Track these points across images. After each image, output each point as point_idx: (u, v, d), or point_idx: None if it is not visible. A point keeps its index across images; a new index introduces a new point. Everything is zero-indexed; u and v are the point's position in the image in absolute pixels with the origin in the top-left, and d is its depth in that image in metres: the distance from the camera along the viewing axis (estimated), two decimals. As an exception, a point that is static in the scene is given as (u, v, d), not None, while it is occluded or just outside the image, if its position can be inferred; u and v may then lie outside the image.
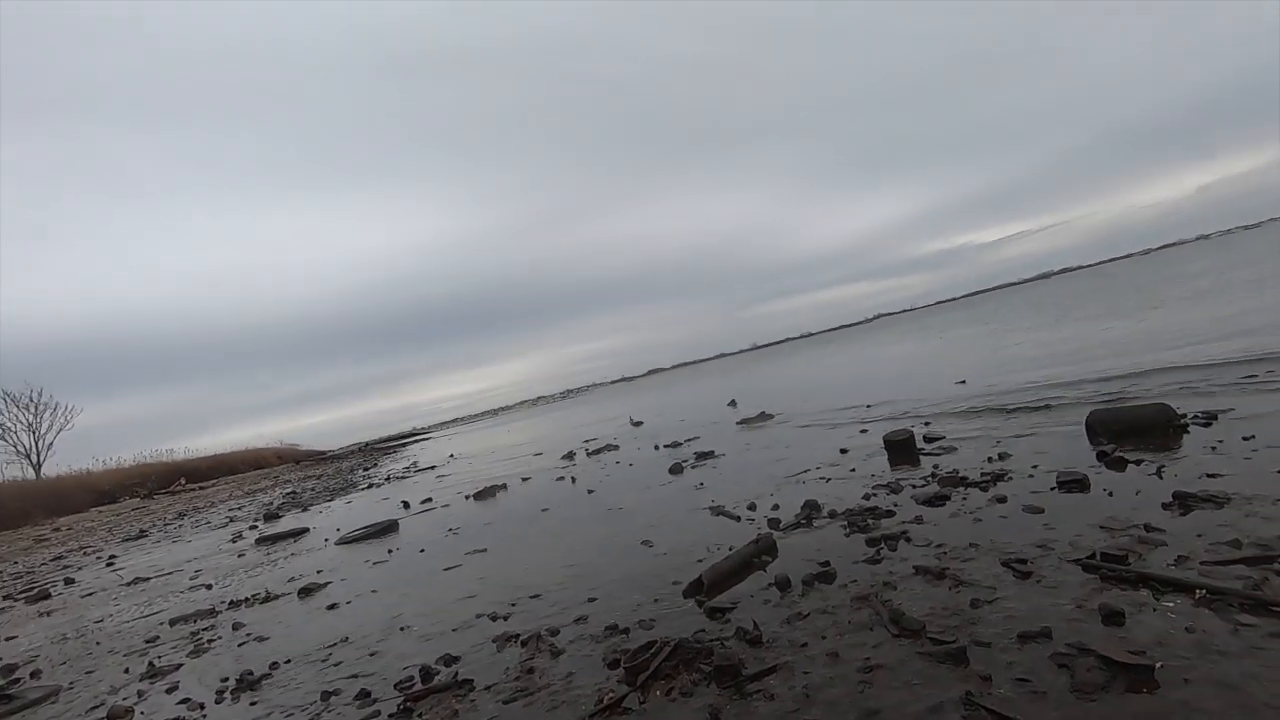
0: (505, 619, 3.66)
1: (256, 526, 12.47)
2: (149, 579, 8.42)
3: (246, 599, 5.75)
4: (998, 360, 12.35)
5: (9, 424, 44.56)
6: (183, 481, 46.76)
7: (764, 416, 11.28)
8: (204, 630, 4.99)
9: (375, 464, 32.06)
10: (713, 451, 8.48)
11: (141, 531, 17.74)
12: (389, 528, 8.21)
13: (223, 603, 5.80)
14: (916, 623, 2.54)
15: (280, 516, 13.60)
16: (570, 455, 12.55)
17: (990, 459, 5.10)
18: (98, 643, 5.37)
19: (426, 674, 3.06)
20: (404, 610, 4.30)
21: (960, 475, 4.72)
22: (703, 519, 5.11)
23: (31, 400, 45.77)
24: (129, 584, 8.34)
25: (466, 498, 9.66)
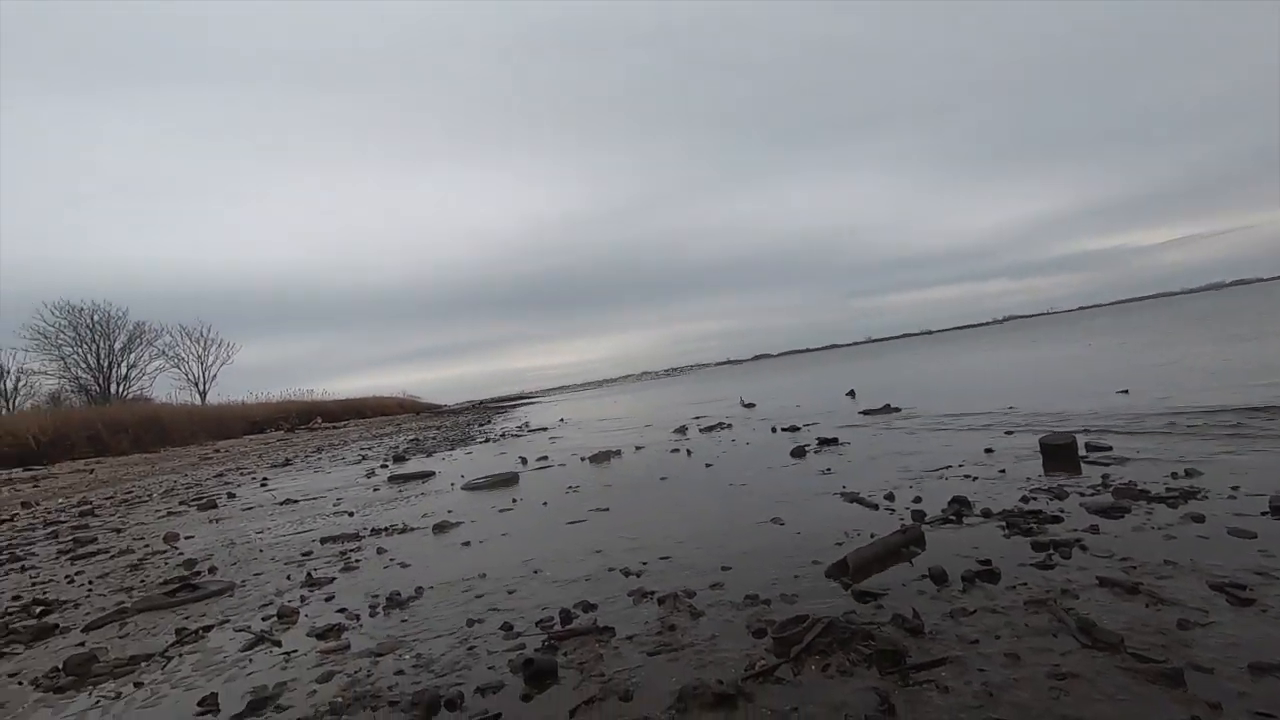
0: (637, 575, 3.67)
1: (386, 466, 13.42)
2: (298, 501, 9.26)
3: (386, 528, 6.17)
4: (1167, 373, 11.05)
5: (183, 354, 50.54)
6: (318, 420, 51.40)
7: (889, 409, 10.73)
8: (351, 551, 5.38)
9: (489, 421, 33.72)
10: (836, 439, 8.15)
11: (287, 460, 19.63)
12: (510, 479, 8.55)
13: (365, 529, 6.25)
14: (1113, 635, 2.26)
15: (407, 459, 14.57)
16: (682, 430, 12.54)
17: (1175, 475, 4.53)
18: (260, 550, 5.94)
19: (566, 616, 3.12)
20: (535, 556, 4.42)
21: (1139, 488, 4.23)
22: (834, 504, 4.90)
23: (201, 335, 51.65)
24: (281, 503, 9.21)
25: (582, 460, 9.88)
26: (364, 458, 16.86)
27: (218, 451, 30.91)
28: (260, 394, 52.71)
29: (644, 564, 3.87)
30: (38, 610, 4.58)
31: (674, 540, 4.37)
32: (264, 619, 3.74)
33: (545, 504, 6.50)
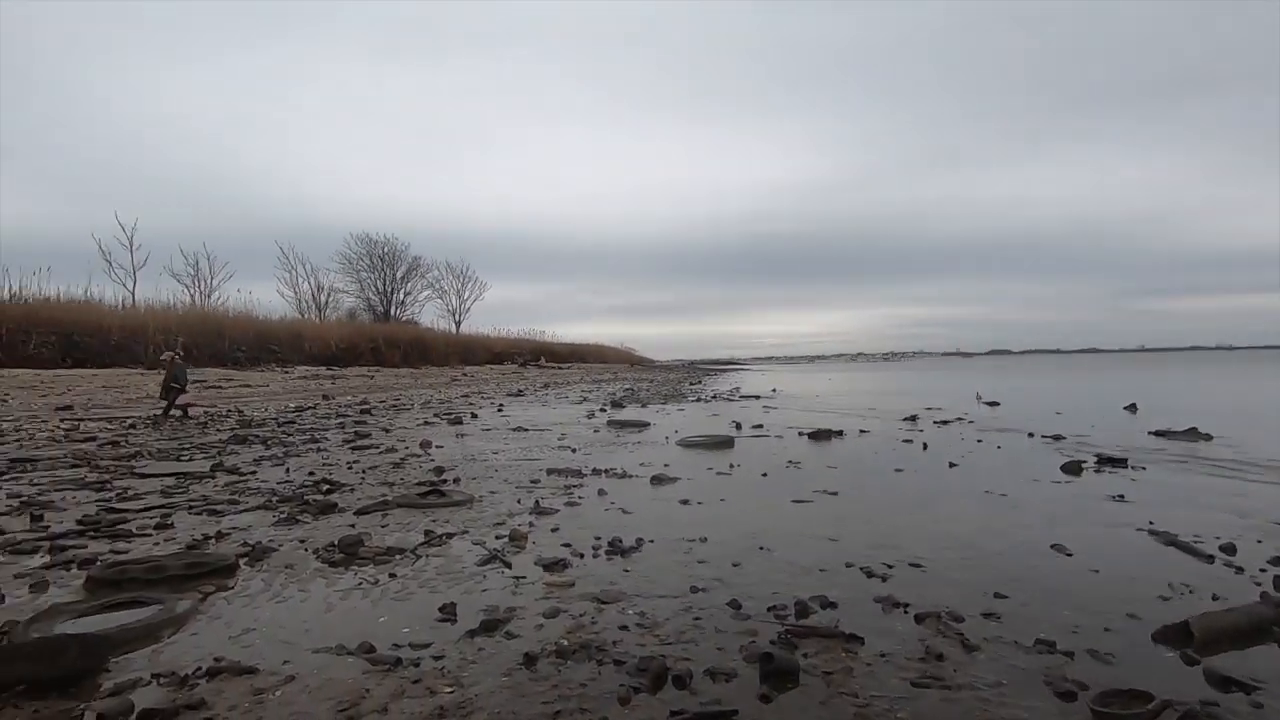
0: (882, 580, 3.17)
1: (605, 410, 14.05)
2: (527, 430, 9.97)
3: (606, 470, 6.27)
4: None
5: (446, 287, 57.91)
6: (543, 360, 56.30)
7: (1195, 434, 8.63)
8: (574, 486, 5.52)
9: (699, 381, 34.17)
10: (1126, 460, 6.68)
11: (520, 391, 21.62)
12: (725, 442, 8.33)
13: (586, 468, 6.42)
14: None
15: (623, 406, 15.13)
16: (913, 419, 11.37)
17: None
18: (495, 470, 6.38)
19: (802, 609, 2.74)
20: (759, 530, 4.10)
21: None
22: (1142, 542, 3.89)
23: (462, 272, 58.66)
24: (514, 430, 9.99)
25: (800, 434, 9.35)
26: (585, 399, 17.91)
27: (465, 375, 35.24)
28: (501, 329, 58.99)
29: (889, 567, 3.34)
30: (324, 488, 5.32)
31: (921, 544, 3.76)
32: (497, 538, 3.89)
33: (765, 475, 6.15)
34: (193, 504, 4.71)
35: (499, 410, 13.88)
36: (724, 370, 66.60)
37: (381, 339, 38.07)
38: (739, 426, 10.47)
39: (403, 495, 4.93)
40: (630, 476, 6.03)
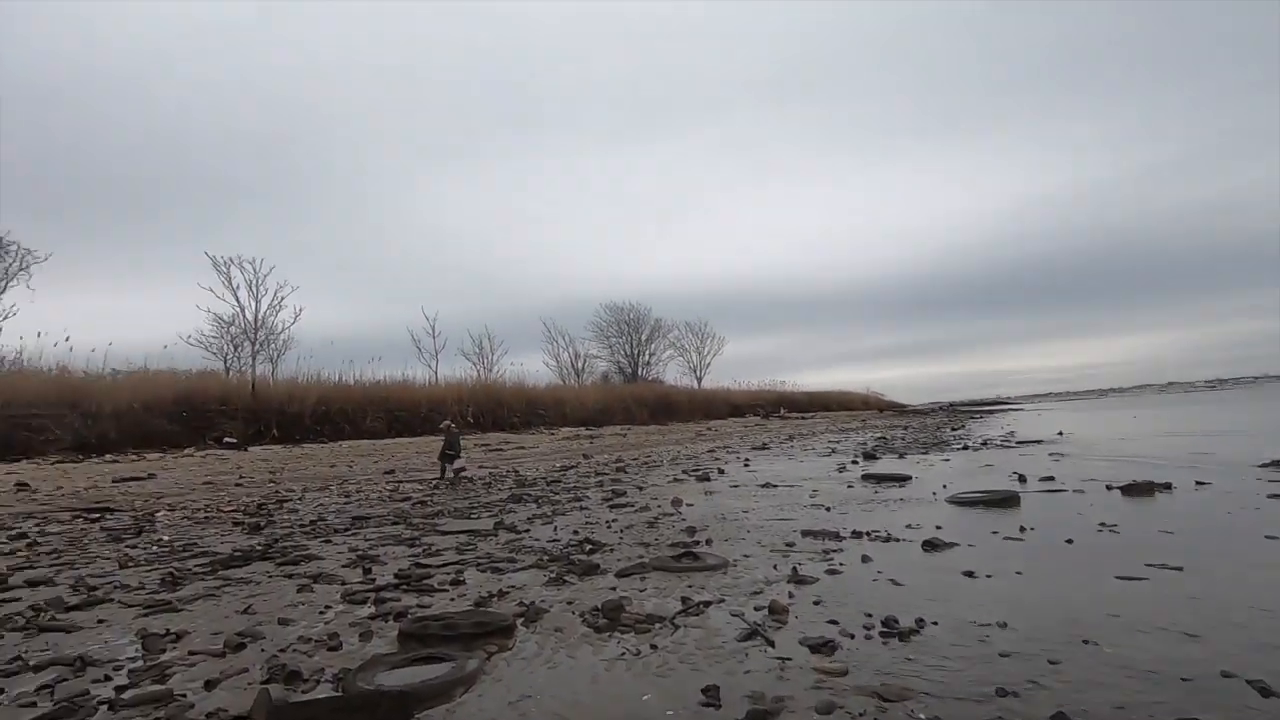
0: (1289, 700, 2.30)
1: (857, 462, 13.12)
2: (776, 486, 9.63)
3: (868, 533, 5.71)
4: None
5: (686, 345, 60.22)
6: (783, 411, 55.14)
7: None
8: (833, 551, 5.09)
9: (962, 426, 30.65)
10: None
11: (764, 444, 21.29)
12: (1008, 499, 7.16)
13: (844, 529, 5.91)
14: None
15: (877, 458, 14.01)
16: (1278, 465, 8.77)
17: None
18: (747, 531, 6.17)
19: (1168, 737, 2.08)
20: (1076, 615, 3.32)
21: None
22: None
23: (700, 329, 60.70)
24: (762, 486, 9.72)
25: (1109, 488, 7.71)
26: (833, 451, 16.99)
27: (709, 429, 35.89)
28: (740, 382, 59.46)
29: (1295, 682, 2.44)
30: (587, 548, 5.58)
31: (1344, 651, 2.71)
32: (756, 609, 3.66)
33: (1070, 542, 5.09)
34: (480, 561, 5.22)
35: (745, 465, 13.73)
36: (990, 412, 59.14)
37: (631, 399, 40.60)
38: (1023, 479, 8.99)
39: (658, 558, 4.95)
40: (897, 540, 5.40)
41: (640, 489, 10.17)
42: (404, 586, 4.50)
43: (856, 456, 14.48)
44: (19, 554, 6.45)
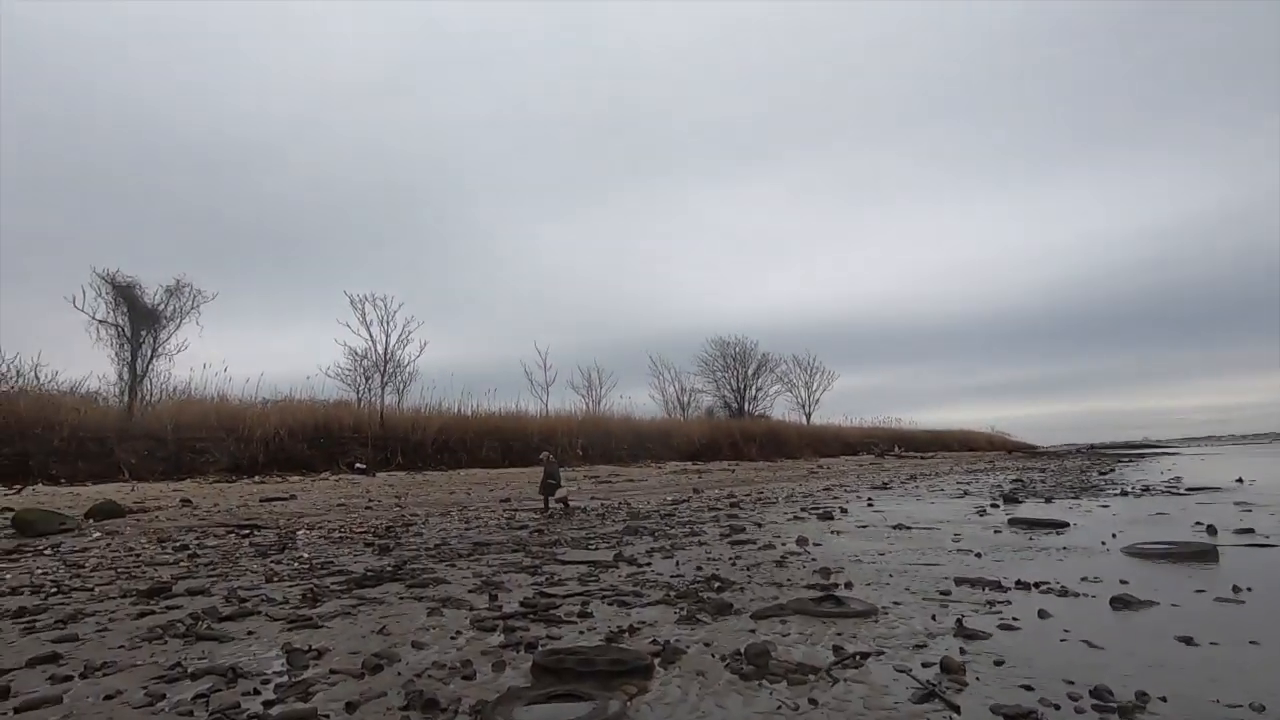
0: None
1: (998, 506, 11.94)
2: (910, 528, 8.86)
3: (1036, 584, 5.01)
4: None
5: (794, 380, 58.64)
6: (899, 449, 52.07)
7: None
8: (998, 603, 4.48)
9: (1111, 469, 27.57)
10: None
11: (885, 483, 20.01)
12: (1204, 553, 6.14)
13: (1004, 578, 5.23)
14: None
15: (1020, 501, 12.71)
16: None
17: None
18: (890, 575, 5.61)
19: None
20: (1355, 701, 2.63)
21: None
22: None
23: (809, 364, 59.00)
24: (894, 528, 8.97)
25: (1334, 544, 6.46)
26: (966, 493, 15.64)
27: (821, 467, 34.42)
28: (852, 418, 56.94)
29: None
30: (715, 585, 5.24)
31: None
32: (924, 665, 3.20)
33: (1308, 607, 4.21)
34: (604, 593, 5.02)
35: (869, 505, 12.85)
36: (1140, 455, 53.10)
37: (738, 434, 39.79)
38: (1212, 531, 7.75)
39: (797, 600, 4.54)
40: (1075, 595, 4.69)
41: (759, 526, 9.68)
42: (531, 615, 4.36)
43: (995, 499, 13.21)
44: (181, 564, 6.95)
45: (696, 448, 36.65)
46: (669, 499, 14.90)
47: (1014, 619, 4.03)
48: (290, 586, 5.62)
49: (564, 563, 6.64)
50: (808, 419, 57.38)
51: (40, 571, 6.61)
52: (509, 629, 4.03)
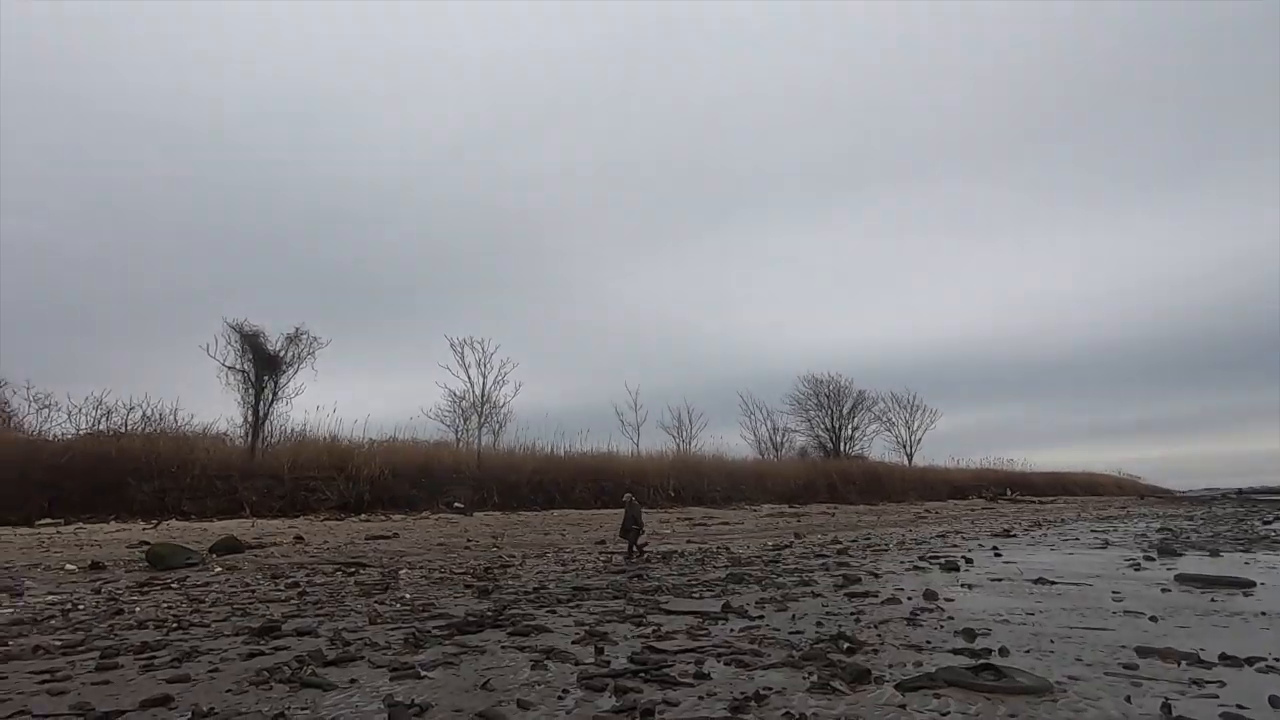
0: None
1: (1152, 558, 10.49)
2: (1054, 583, 7.82)
3: (1247, 659, 4.14)
4: None
5: (893, 419, 55.88)
6: (1012, 493, 48.06)
7: None
8: (1208, 682, 3.68)
9: (1275, 519, 24.14)
10: None
11: (1006, 530, 18.28)
12: None
13: (1202, 649, 4.37)
14: None
15: (1179, 554, 11.13)
16: None
17: None
18: (1049, 639, 4.84)
19: None
20: None
21: None
22: None
23: (909, 402, 56.09)
24: (1034, 581, 7.95)
25: None
26: (1107, 543, 13.94)
27: (928, 512, 32.16)
28: (960, 459, 53.32)
29: None
30: (844, 645, 4.67)
31: None
32: (1138, 765, 2.56)
33: None
34: (720, 651, 4.56)
35: (995, 554, 11.63)
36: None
37: (836, 475, 38.03)
38: None
39: (948, 670, 3.92)
40: (1305, 675, 3.81)
41: (875, 576, 8.87)
42: (642, 674, 3.97)
43: (1147, 551, 11.65)
44: (291, 602, 7.04)
45: (792, 490, 35.23)
46: (770, 544, 14.13)
47: (1239, 708, 3.25)
48: (392, 630, 5.49)
49: (669, 612, 6.21)
50: (909, 460, 54.29)
51: (166, 605, 6.84)
52: (619, 689, 3.66)
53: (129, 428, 20.87)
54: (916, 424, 56.13)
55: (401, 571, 9.55)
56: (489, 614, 6.10)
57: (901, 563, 10.45)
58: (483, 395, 29.12)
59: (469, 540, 14.57)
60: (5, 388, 22.84)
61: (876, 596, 7.01)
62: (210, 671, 4.16)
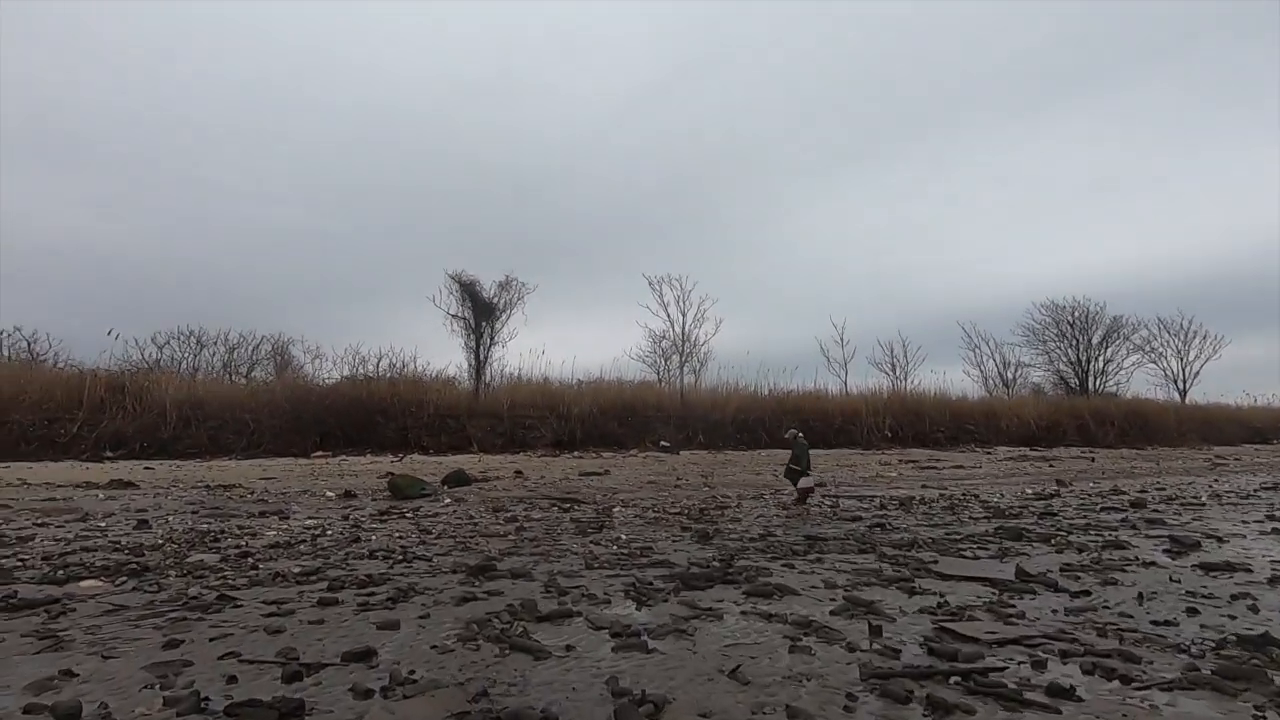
0: None
1: None
2: None
3: None
4: None
5: (1160, 348, 46.45)
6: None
7: None
8: None
9: None
10: None
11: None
12: None
13: None
14: None
15: None
16: None
17: None
18: None
19: None
20: None
21: None
22: None
23: (1181, 328, 46.09)
24: None
25: None
26: None
27: (1221, 459, 26.12)
28: (1256, 396, 42.99)
29: None
30: (1274, 650, 3.01)
31: None
32: None
33: None
34: (1059, 645, 3.16)
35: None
36: None
37: (1088, 415, 32.45)
38: None
39: None
40: None
41: (1218, 540, 6.61)
42: (956, 678, 2.74)
43: None
44: (509, 537, 6.78)
45: (1032, 431, 30.67)
46: (1029, 491, 11.81)
47: None
48: (610, 576, 4.82)
49: (943, 576, 4.84)
50: (1182, 396, 44.99)
51: (397, 535, 6.93)
52: (934, 703, 2.48)
53: (378, 374, 23.48)
54: (1193, 354, 46.16)
55: (615, 509, 9.14)
56: (716, 564, 5.22)
57: (1243, 522, 7.87)
58: (683, 334, 28.70)
59: (679, 479, 14.10)
60: (289, 343, 27.00)
61: (1248, 571, 5.00)
62: (420, 618, 3.71)
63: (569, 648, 3.17)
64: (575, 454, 19.87)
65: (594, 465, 16.54)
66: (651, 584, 4.57)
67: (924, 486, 12.89)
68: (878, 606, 3.92)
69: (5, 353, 23.06)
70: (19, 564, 5.46)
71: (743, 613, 3.84)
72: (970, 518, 8.37)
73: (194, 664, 2.96)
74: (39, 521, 8.01)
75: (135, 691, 2.65)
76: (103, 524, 7.81)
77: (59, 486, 11.83)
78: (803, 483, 9.82)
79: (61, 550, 6.08)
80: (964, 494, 11.34)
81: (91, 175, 45.10)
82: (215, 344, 26.37)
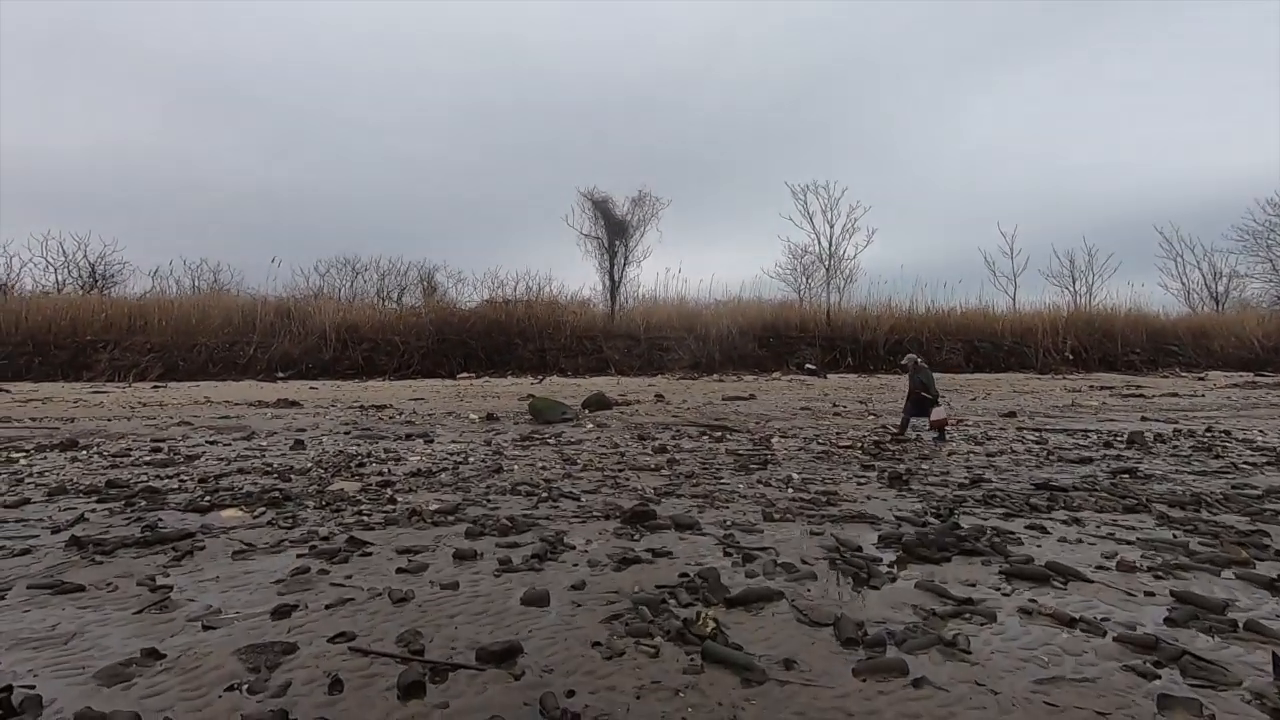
0: None
1: None
2: None
3: None
4: None
5: None
6: None
7: None
8: None
9: None
10: None
11: None
12: None
13: None
14: None
15: None
16: None
17: None
18: None
19: None
20: None
21: None
22: None
23: None
24: None
25: None
26: None
27: None
28: None
29: None
30: None
31: None
32: None
33: None
34: None
35: None
36: None
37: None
38: None
39: None
40: None
41: None
42: None
43: None
44: (662, 472, 5.95)
45: (1257, 353, 25.73)
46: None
47: None
48: (800, 532, 3.79)
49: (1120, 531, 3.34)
50: None
51: (540, 465, 6.33)
52: None
53: (515, 297, 23.62)
54: None
55: (773, 440, 8.08)
56: (933, 522, 4.03)
57: None
58: (830, 246, 26.36)
59: (834, 405, 12.76)
60: (435, 270, 27.85)
61: None
62: (572, 588, 2.89)
63: (788, 664, 2.17)
64: (715, 377, 18.93)
65: (737, 389, 15.51)
66: (860, 549, 3.49)
67: (1144, 419, 10.66)
68: (1249, 616, 2.58)
69: (196, 284, 25.56)
70: (177, 486, 5.37)
71: (1020, 610, 2.67)
72: (1246, 463, 6.45)
73: (297, 650, 2.29)
74: (210, 439, 8.29)
75: (214, 697, 1.99)
76: (264, 443, 7.91)
77: (235, 404, 12.64)
78: (935, 414, 8.25)
79: (219, 471, 6.02)
80: (1209, 430, 9.11)
81: (254, 122, 48.75)
82: (368, 271, 27.81)
